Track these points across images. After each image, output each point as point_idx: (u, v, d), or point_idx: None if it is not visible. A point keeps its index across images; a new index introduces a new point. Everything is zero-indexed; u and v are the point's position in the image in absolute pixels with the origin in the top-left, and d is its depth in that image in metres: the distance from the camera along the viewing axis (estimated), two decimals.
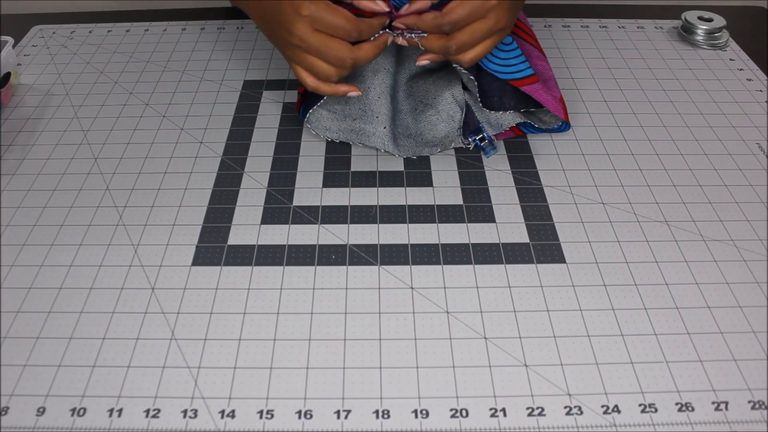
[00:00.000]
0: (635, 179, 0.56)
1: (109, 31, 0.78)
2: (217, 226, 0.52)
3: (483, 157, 0.58)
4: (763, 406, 0.40)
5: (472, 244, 0.50)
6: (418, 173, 0.56)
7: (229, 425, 0.39)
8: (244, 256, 0.49)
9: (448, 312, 0.45)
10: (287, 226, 0.52)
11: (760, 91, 0.67)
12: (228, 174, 0.57)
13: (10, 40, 0.67)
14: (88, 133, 0.62)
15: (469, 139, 0.57)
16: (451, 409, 0.40)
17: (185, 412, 0.40)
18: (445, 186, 0.55)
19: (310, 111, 0.57)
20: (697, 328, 0.44)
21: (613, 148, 0.59)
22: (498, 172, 0.57)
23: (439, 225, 0.52)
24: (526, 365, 0.42)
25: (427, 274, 0.48)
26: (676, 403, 0.40)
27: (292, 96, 0.66)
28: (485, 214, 0.52)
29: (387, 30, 0.51)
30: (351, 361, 0.42)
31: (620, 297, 0.46)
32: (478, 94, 0.56)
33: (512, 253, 0.49)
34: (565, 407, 0.40)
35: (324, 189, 0.55)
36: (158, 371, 0.42)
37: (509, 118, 0.58)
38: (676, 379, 0.41)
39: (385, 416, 0.40)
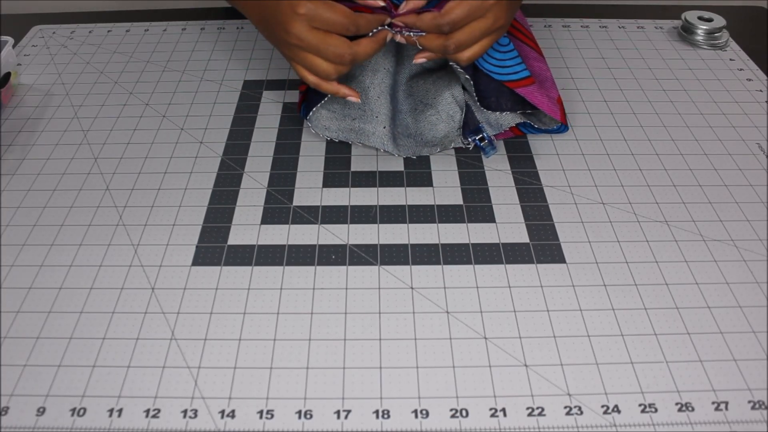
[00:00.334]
0: (635, 179, 0.56)
1: (109, 31, 0.78)
2: (217, 226, 0.52)
3: (483, 157, 0.58)
4: (763, 406, 0.40)
5: (472, 244, 0.50)
6: (418, 173, 0.56)
7: (229, 425, 0.39)
8: (244, 256, 0.49)
9: (448, 312, 0.45)
10: (287, 226, 0.52)
11: (760, 91, 0.67)
12: (228, 174, 0.57)
13: (10, 40, 0.67)
14: (88, 133, 0.62)
15: (469, 139, 0.57)
16: (451, 409, 0.40)
17: (185, 412, 0.40)
18: (445, 186, 0.55)
19: (312, 110, 0.57)
20: (697, 328, 0.44)
21: (613, 148, 0.59)
22: (498, 172, 0.57)
23: (439, 225, 0.52)
24: (526, 365, 0.42)
25: (427, 274, 0.48)
26: (676, 403, 0.40)
27: (292, 96, 0.66)
28: (485, 214, 0.52)
29: (386, 27, 0.51)
30: (351, 361, 0.42)
31: (620, 297, 0.46)
32: (474, 94, 0.56)
33: (512, 253, 0.49)
34: (565, 407, 0.40)
35: (324, 189, 0.55)
36: (158, 371, 0.42)
37: (509, 119, 0.58)
38: (676, 379, 0.41)
39: (385, 416, 0.40)
